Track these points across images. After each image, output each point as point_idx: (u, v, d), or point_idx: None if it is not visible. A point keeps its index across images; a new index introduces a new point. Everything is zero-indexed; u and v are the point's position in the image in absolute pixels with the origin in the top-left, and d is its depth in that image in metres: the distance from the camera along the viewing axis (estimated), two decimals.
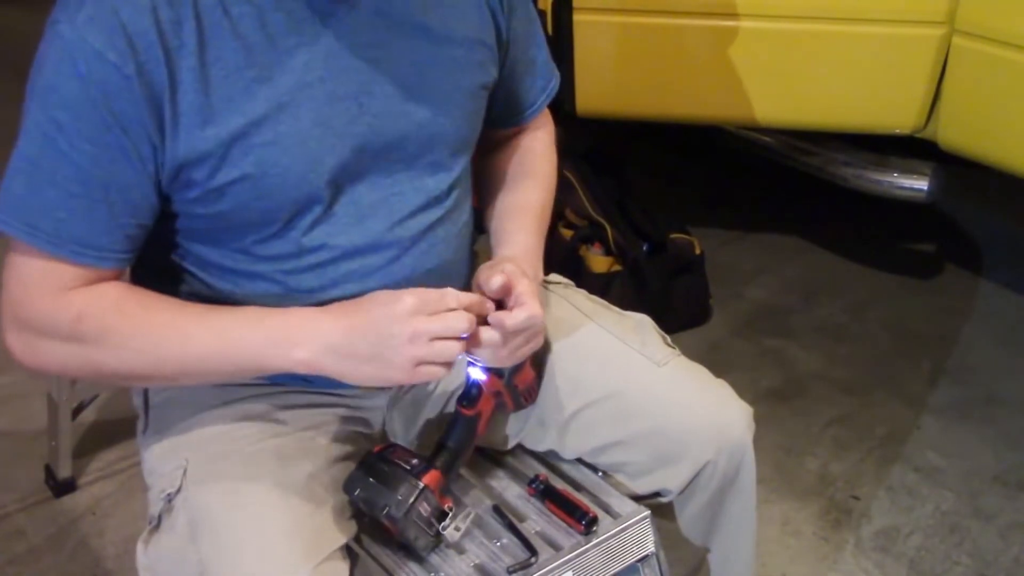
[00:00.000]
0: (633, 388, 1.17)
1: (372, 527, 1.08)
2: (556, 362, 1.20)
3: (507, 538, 1.10)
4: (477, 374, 1.09)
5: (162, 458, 1.10)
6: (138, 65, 0.91)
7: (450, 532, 1.06)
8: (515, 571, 1.05)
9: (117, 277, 1.01)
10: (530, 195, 1.24)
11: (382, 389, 1.20)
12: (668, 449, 1.16)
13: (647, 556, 1.13)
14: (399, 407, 1.22)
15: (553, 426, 1.20)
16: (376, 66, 1.03)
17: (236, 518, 1.01)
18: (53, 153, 0.93)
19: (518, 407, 1.16)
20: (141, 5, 0.91)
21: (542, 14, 2.34)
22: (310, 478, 1.07)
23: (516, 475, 1.21)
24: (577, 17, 2.22)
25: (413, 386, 1.22)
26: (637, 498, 1.18)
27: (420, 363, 0.96)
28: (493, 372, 1.10)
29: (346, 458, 1.13)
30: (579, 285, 1.36)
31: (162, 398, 1.16)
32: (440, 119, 1.09)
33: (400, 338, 0.96)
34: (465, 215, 1.18)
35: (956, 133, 2.12)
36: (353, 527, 1.08)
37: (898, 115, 2.16)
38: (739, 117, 2.38)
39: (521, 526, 1.11)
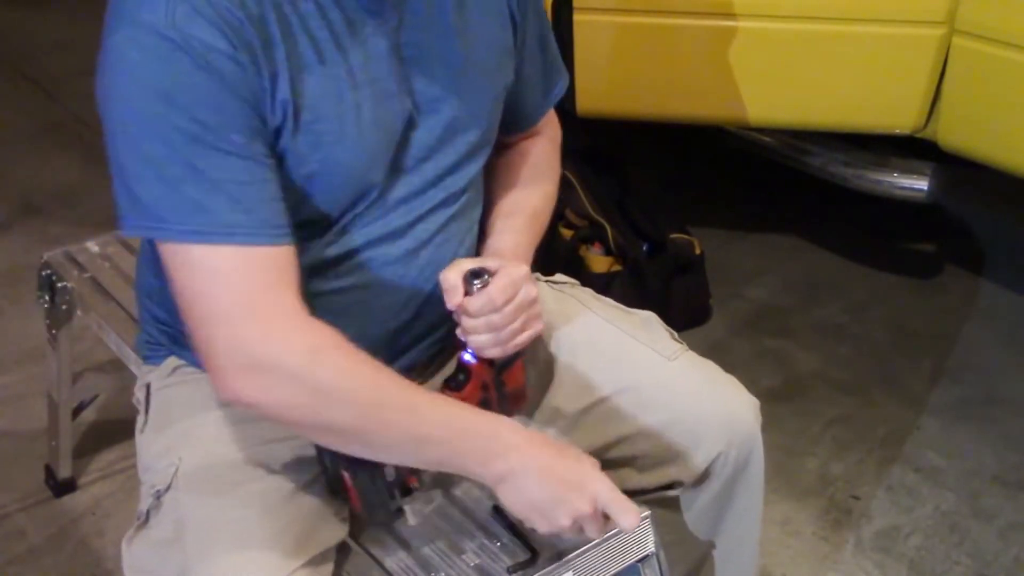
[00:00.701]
0: (644, 382, 1.19)
1: (332, 487, 1.05)
2: (566, 358, 1.22)
3: (507, 538, 1.10)
4: (468, 358, 1.10)
5: (157, 455, 1.10)
6: (250, 54, 0.92)
7: (409, 514, 1.06)
8: (515, 571, 1.05)
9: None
10: (525, 198, 1.23)
11: None
12: (680, 442, 1.18)
13: (647, 556, 1.13)
14: None
15: (562, 422, 1.21)
16: (415, 65, 1.06)
17: (221, 521, 1.01)
18: (207, 151, 0.90)
19: (502, 410, 1.13)
20: (232, 2, 0.91)
21: None
22: (301, 484, 1.06)
23: None
24: (577, 17, 2.22)
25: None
26: (646, 491, 1.19)
27: (578, 523, 0.98)
28: (484, 361, 1.10)
29: None
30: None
31: (163, 396, 1.16)
32: (468, 120, 1.12)
33: (573, 510, 0.97)
34: (477, 212, 1.20)
35: (956, 133, 2.11)
36: (344, 529, 1.08)
37: (898, 115, 2.16)
38: (739, 117, 2.37)
39: (522, 526, 1.11)
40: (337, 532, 1.07)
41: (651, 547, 1.13)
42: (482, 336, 1.07)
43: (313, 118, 0.97)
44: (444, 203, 1.13)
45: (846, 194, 2.54)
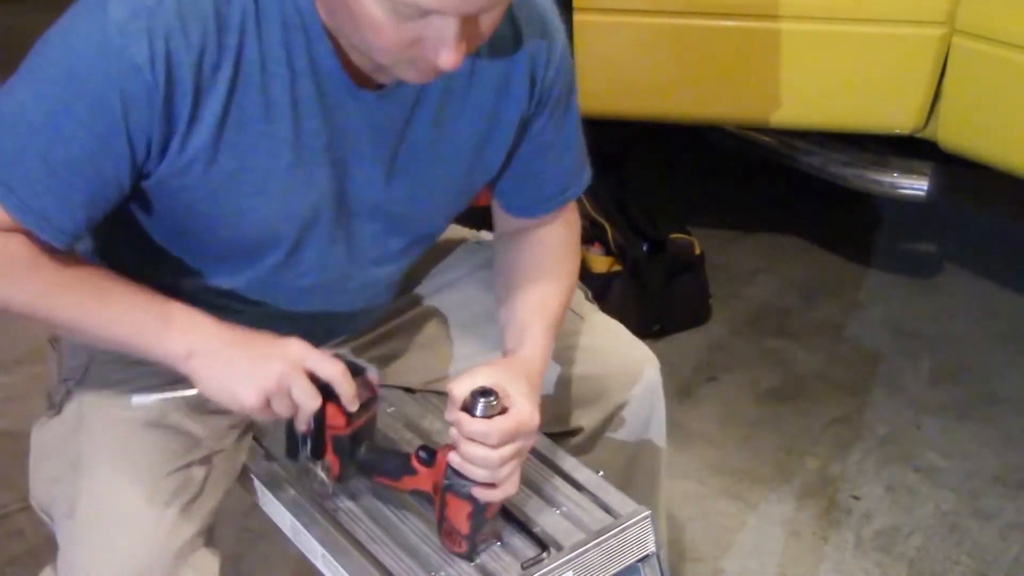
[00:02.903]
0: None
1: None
2: (481, 307, 1.25)
3: (508, 537, 1.10)
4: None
5: (74, 352, 1.16)
6: (168, 93, 0.92)
7: (322, 475, 1.09)
8: (529, 566, 1.05)
9: None
10: (548, 297, 1.18)
11: None
12: (584, 392, 1.25)
13: (647, 556, 1.13)
14: None
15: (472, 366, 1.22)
16: (374, 147, 1.05)
17: (112, 418, 1.08)
18: (54, 132, 0.92)
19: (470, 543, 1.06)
20: (191, 42, 0.91)
21: None
22: (193, 395, 1.10)
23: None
24: (577, 17, 2.22)
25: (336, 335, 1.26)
26: (550, 435, 1.25)
27: (268, 401, 0.99)
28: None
29: None
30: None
31: None
32: (415, 210, 1.12)
33: (270, 370, 0.98)
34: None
35: (956, 133, 2.12)
36: (231, 439, 1.15)
37: (898, 115, 2.16)
38: (739, 117, 2.38)
39: (528, 523, 1.11)
40: (227, 437, 1.13)
41: (651, 547, 1.13)
42: (476, 469, 1.01)
43: (238, 167, 0.98)
44: (372, 283, 1.17)
45: (846, 194, 2.54)
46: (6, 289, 0.99)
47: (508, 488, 1.03)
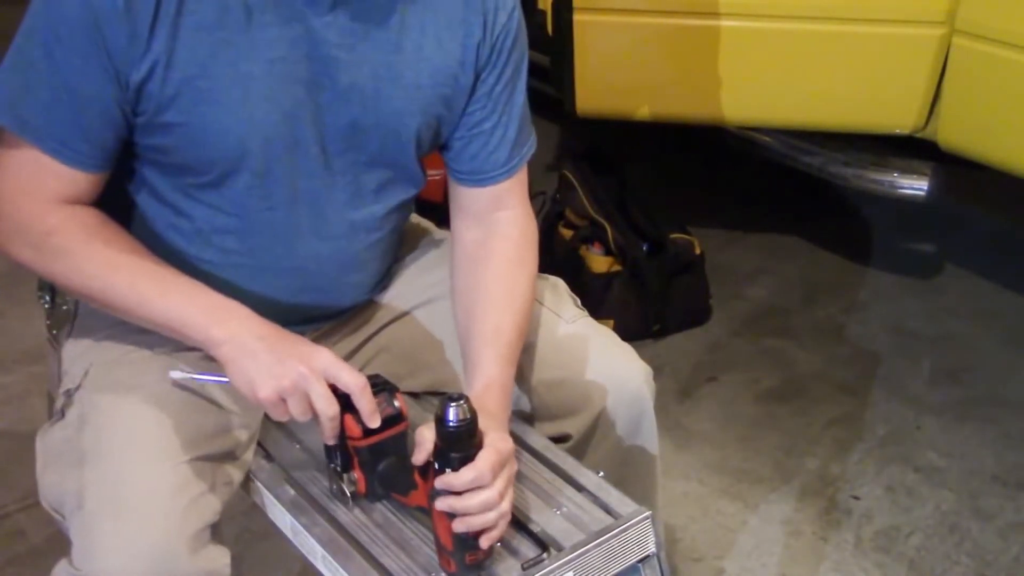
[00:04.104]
0: (542, 341, 1.26)
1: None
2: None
3: (508, 537, 1.10)
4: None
5: (73, 360, 1.20)
6: (128, 1, 1.00)
7: (346, 483, 1.12)
8: (529, 566, 1.05)
9: (95, 200, 1.11)
10: (497, 322, 1.19)
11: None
12: (570, 398, 1.25)
13: (648, 556, 1.13)
14: None
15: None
16: (335, 64, 1.09)
17: (117, 413, 1.10)
18: (49, 60, 1.02)
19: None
20: None
21: (542, 14, 2.34)
22: (198, 392, 1.14)
23: (518, 476, 1.21)
24: (577, 17, 2.22)
25: (320, 323, 1.29)
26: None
27: (283, 400, 1.03)
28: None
29: None
30: (579, 285, 1.38)
31: (89, 308, 1.24)
32: (381, 132, 1.15)
33: (290, 370, 1.03)
34: (395, 236, 1.27)
35: (956, 133, 2.12)
36: (240, 440, 1.15)
37: (898, 115, 2.16)
38: (739, 117, 2.38)
39: (527, 523, 1.11)
40: (232, 439, 1.14)
41: (651, 547, 1.13)
42: (476, 518, 1.00)
43: (197, 74, 1.04)
44: (353, 215, 1.19)
45: (846, 194, 2.54)
46: (63, 269, 1.09)
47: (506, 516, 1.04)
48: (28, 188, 1.07)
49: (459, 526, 1.01)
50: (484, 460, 1.00)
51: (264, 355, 1.04)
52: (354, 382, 1.04)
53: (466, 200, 1.26)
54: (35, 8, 1.03)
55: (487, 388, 1.13)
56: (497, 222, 1.26)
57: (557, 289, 1.34)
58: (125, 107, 1.06)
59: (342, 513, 1.13)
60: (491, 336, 1.17)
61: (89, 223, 1.09)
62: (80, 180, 1.08)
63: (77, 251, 1.08)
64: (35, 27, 1.03)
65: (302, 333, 1.29)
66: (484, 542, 1.02)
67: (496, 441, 1.02)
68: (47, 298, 1.33)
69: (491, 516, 1.01)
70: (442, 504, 1.00)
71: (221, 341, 1.05)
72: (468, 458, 1.00)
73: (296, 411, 1.04)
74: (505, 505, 1.03)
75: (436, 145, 1.23)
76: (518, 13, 1.21)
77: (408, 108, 1.15)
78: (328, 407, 1.04)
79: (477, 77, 1.19)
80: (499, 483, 1.01)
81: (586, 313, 1.32)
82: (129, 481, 1.04)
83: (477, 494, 0.99)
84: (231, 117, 1.07)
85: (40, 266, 1.11)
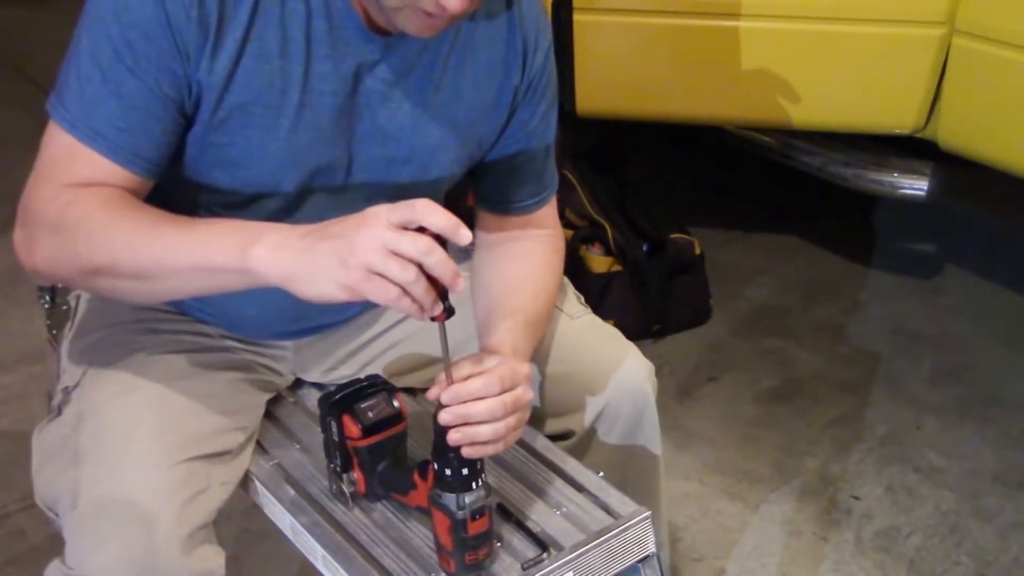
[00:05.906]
0: (546, 336, 1.26)
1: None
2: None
3: (508, 537, 1.10)
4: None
5: (72, 359, 1.20)
6: (201, 13, 0.99)
7: (346, 484, 1.12)
8: (529, 566, 1.05)
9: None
10: (527, 301, 1.18)
11: (284, 338, 1.27)
12: (573, 393, 1.25)
13: (648, 556, 1.13)
14: (307, 346, 1.29)
15: None
16: (377, 98, 1.10)
17: (114, 412, 1.10)
18: (121, 67, 1.00)
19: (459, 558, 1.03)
20: None
21: None
22: (199, 393, 1.14)
23: (519, 476, 1.21)
24: (577, 17, 2.22)
25: (320, 330, 1.28)
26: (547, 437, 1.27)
27: (374, 272, 0.88)
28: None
29: (242, 383, 1.22)
30: (579, 285, 1.40)
31: (89, 307, 1.26)
32: (413, 167, 1.15)
33: (364, 240, 0.88)
34: None
35: (956, 133, 2.11)
36: (238, 441, 1.16)
37: (898, 115, 2.16)
38: (739, 117, 2.38)
39: (527, 523, 1.11)
40: (230, 439, 1.14)
41: (651, 547, 1.13)
42: (482, 428, 0.97)
43: (252, 100, 1.04)
44: None
45: (846, 194, 2.54)
46: (83, 238, 1.00)
47: (508, 440, 1.00)
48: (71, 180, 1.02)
49: (455, 435, 0.96)
50: (495, 371, 0.98)
51: (321, 244, 0.90)
52: (438, 219, 0.88)
53: (493, 224, 1.28)
54: (104, 15, 1.00)
55: (499, 344, 1.09)
56: (528, 236, 1.27)
57: (561, 286, 1.34)
58: (187, 112, 1.04)
59: (342, 513, 1.13)
60: (510, 310, 1.16)
61: (105, 191, 1.03)
62: (138, 187, 1.05)
63: (94, 215, 1.00)
64: (106, 34, 1.00)
65: (307, 338, 1.29)
66: (471, 451, 0.97)
67: (512, 360, 1.02)
68: (47, 298, 1.33)
69: (486, 429, 0.96)
70: (446, 415, 0.96)
71: (276, 246, 0.93)
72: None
73: (397, 273, 0.87)
74: (504, 426, 0.97)
75: (461, 178, 1.23)
76: (552, 51, 1.21)
77: (442, 145, 1.16)
78: (422, 244, 0.87)
79: (511, 115, 1.20)
80: (507, 397, 0.98)
81: (589, 310, 1.33)
82: (124, 481, 1.04)
83: (483, 401, 0.97)
84: (275, 143, 1.07)
85: (61, 252, 1.01)
